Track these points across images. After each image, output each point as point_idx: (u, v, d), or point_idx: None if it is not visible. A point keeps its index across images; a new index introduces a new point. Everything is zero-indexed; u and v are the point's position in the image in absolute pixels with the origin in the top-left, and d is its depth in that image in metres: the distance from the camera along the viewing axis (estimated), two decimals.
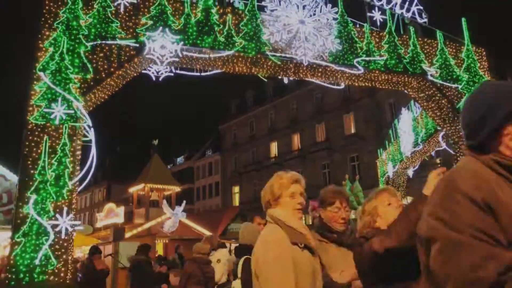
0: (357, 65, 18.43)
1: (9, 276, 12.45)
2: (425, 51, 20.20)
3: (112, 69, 15.41)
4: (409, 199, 44.21)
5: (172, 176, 49.82)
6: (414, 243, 2.62)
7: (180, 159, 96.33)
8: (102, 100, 16.42)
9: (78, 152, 14.86)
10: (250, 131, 74.69)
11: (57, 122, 13.80)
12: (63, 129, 13.86)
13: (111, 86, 16.15)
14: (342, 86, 21.39)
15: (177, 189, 45.16)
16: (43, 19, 15.03)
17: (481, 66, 20.88)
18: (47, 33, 14.84)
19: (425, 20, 20.65)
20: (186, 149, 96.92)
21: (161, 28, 15.89)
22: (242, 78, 19.66)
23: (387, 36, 19.46)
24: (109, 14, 15.66)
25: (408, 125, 27.46)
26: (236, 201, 74.25)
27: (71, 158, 13.86)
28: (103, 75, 15.25)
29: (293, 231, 4.33)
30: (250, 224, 8.82)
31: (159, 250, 34.67)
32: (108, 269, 17.29)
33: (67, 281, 13.00)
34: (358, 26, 19.32)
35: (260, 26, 17.36)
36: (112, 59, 15.46)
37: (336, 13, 18.59)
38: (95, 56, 15.22)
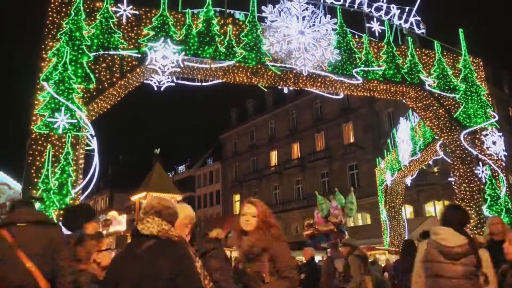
0: (356, 75, 18.44)
1: None
2: (423, 62, 20.21)
3: (114, 79, 15.43)
4: (407, 208, 44.30)
5: (174, 185, 49.79)
6: None
7: (181, 168, 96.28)
8: (105, 110, 16.45)
9: (81, 161, 14.87)
10: (251, 140, 74.65)
11: (60, 131, 13.82)
12: (66, 138, 13.87)
13: (113, 95, 16.18)
14: (341, 95, 21.36)
15: (179, 197, 45.09)
16: (46, 30, 15.07)
17: (478, 76, 20.90)
18: (50, 43, 14.88)
19: (423, 31, 20.67)
20: (187, 158, 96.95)
21: (163, 38, 15.91)
22: (242, 88, 19.68)
23: (385, 46, 19.48)
24: (112, 25, 15.70)
25: (406, 134, 27.44)
26: (237, 209, 74.01)
27: (74, 167, 13.86)
28: (106, 85, 15.27)
29: None
30: None
31: None
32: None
33: None
34: (357, 36, 19.35)
35: (260, 36, 17.39)
36: (114, 69, 15.48)
37: (335, 24, 18.63)
38: (97, 66, 15.24)
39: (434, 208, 46.96)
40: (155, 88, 17.95)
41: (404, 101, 21.36)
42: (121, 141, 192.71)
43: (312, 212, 27.61)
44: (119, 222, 45.35)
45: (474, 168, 19.19)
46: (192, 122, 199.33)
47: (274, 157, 69.00)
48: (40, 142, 13.80)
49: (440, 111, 20.06)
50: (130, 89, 16.96)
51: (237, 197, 75.69)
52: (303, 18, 18.04)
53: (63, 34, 14.87)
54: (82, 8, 15.39)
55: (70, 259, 6.16)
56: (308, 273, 16.45)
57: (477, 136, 19.63)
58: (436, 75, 20.08)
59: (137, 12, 16.42)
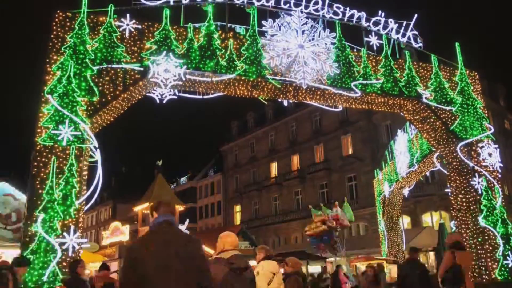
0: (355, 88, 18.43)
1: None
2: (420, 75, 20.22)
3: (117, 92, 15.44)
4: (404, 218, 44.21)
5: (176, 196, 49.83)
6: None
7: (183, 179, 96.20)
8: (108, 122, 16.46)
9: (85, 172, 14.88)
10: (251, 152, 74.67)
11: (64, 143, 13.82)
12: (70, 150, 13.87)
13: (116, 108, 16.18)
14: (340, 108, 21.36)
15: (181, 208, 45.13)
16: (51, 43, 15.09)
17: (474, 89, 20.90)
18: (54, 57, 14.90)
19: (420, 44, 20.69)
20: (189, 169, 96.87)
21: (165, 52, 15.92)
22: (243, 100, 19.71)
23: (383, 60, 19.48)
24: (115, 39, 15.73)
25: (403, 146, 27.45)
26: (237, 219, 74.06)
27: (78, 178, 13.86)
28: (109, 98, 15.28)
29: None
30: None
31: None
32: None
33: None
34: (355, 50, 19.36)
35: (261, 50, 17.39)
36: (117, 82, 15.49)
37: (334, 38, 18.65)
38: (101, 80, 15.26)
39: (431, 219, 46.92)
40: (157, 101, 17.93)
41: (401, 113, 21.37)
42: (124, 153, 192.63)
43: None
44: (122, 232, 45.41)
45: (470, 179, 19.18)
46: (193, 134, 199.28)
47: (274, 168, 68.99)
48: (44, 154, 13.81)
49: (437, 123, 20.06)
50: (133, 101, 16.97)
51: (237, 208, 75.71)
52: (303, 32, 18.07)
53: (67, 48, 14.90)
54: (86, 22, 15.43)
55: None
56: None
57: (473, 148, 19.63)
58: (433, 88, 20.08)
59: (139, 27, 16.44)
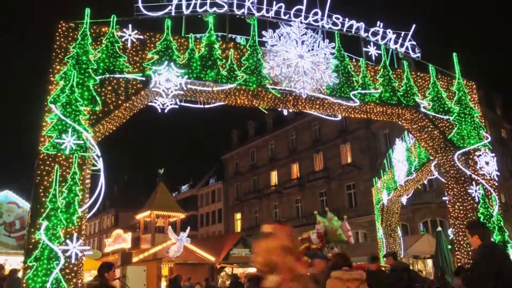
0: (353, 97, 18.40)
1: None
2: (418, 84, 20.18)
3: (119, 102, 15.43)
4: (402, 225, 44.10)
5: (177, 204, 49.85)
6: None
7: (184, 187, 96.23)
8: (110, 131, 16.44)
9: (87, 181, 14.85)
10: (251, 160, 74.73)
11: (67, 152, 13.80)
12: (73, 158, 13.85)
13: (118, 117, 16.16)
14: (339, 117, 21.31)
15: (182, 215, 45.14)
16: (54, 54, 15.08)
17: (472, 99, 20.86)
18: (58, 67, 14.89)
19: (418, 54, 20.65)
20: (191, 177, 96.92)
21: (166, 62, 15.91)
22: (243, 110, 19.74)
23: (381, 70, 19.45)
24: (117, 49, 15.72)
25: (401, 155, 27.40)
26: (238, 227, 74.05)
27: (81, 186, 13.83)
28: (111, 107, 15.26)
29: None
30: None
31: (164, 273, 34.59)
32: None
33: None
34: (354, 60, 19.31)
35: (261, 60, 17.38)
36: (119, 92, 15.48)
37: (333, 48, 18.61)
38: (103, 89, 15.25)
39: (428, 226, 46.90)
40: (159, 110, 17.92)
41: (400, 122, 21.32)
42: (126, 161, 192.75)
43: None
44: (124, 240, 45.36)
45: (467, 187, 19.12)
46: (194, 143, 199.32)
47: (274, 177, 69.05)
48: (48, 162, 13.78)
49: (435, 132, 20.03)
50: (135, 111, 16.96)
51: (238, 216, 75.76)
52: (302, 42, 18.05)
53: (70, 58, 14.89)
54: (88, 33, 15.44)
55: None
56: None
57: (471, 156, 19.58)
58: (431, 97, 20.05)
59: (141, 37, 16.45)
